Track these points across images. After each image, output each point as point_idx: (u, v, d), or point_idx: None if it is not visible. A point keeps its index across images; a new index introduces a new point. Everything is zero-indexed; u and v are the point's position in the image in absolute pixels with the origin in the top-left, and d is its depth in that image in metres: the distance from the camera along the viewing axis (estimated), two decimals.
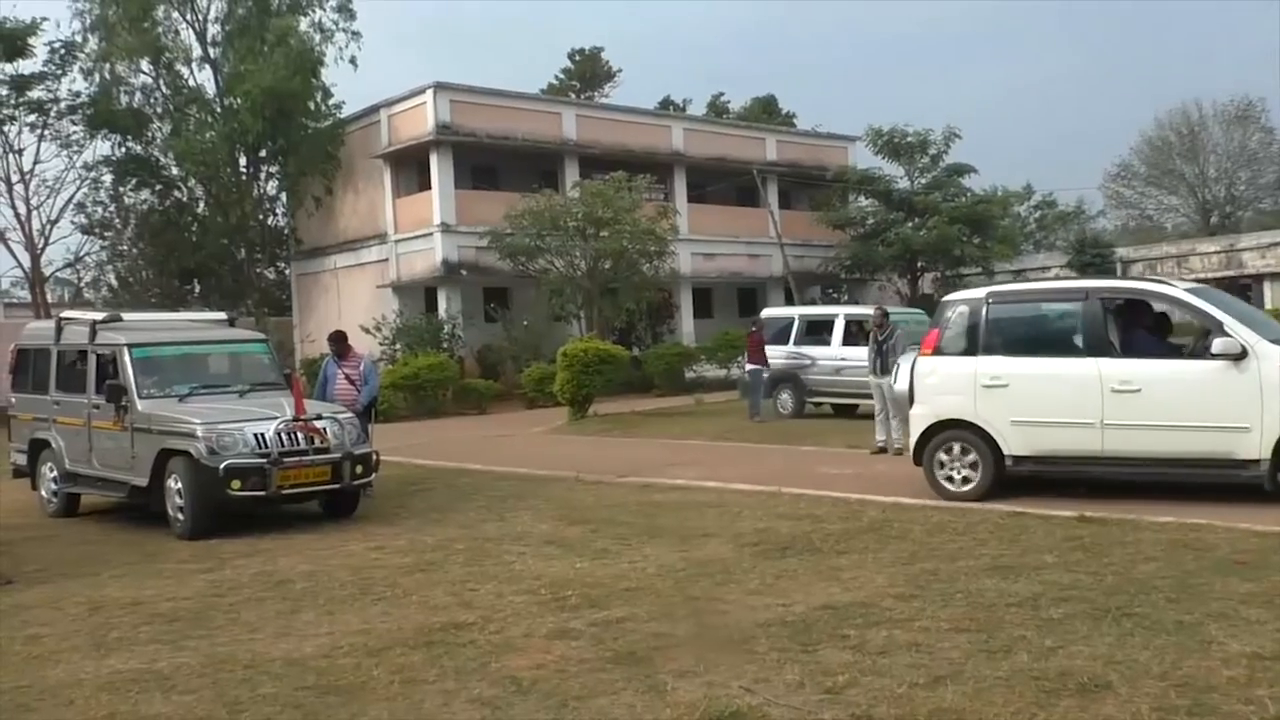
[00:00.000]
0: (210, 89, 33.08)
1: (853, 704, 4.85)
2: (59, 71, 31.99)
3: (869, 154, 38.32)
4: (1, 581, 8.29)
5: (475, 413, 25.39)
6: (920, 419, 10.57)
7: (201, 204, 35.20)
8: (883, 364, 14.50)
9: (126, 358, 10.93)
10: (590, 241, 26.71)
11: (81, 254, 35.71)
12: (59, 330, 12.11)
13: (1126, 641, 5.55)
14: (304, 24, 32.16)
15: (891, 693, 4.96)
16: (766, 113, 52.06)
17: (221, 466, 9.83)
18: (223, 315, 13.63)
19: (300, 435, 10.27)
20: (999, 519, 9.03)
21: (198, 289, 36.47)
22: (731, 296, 39.14)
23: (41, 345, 12.46)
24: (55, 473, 11.87)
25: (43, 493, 12.18)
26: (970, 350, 10.34)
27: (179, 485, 10.12)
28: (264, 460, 9.97)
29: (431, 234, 30.23)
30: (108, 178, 34.23)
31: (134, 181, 34.41)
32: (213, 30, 32.84)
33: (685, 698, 5.01)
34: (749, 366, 20.29)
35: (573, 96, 50.48)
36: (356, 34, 33.13)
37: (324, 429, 10.44)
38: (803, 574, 7.45)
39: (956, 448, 10.26)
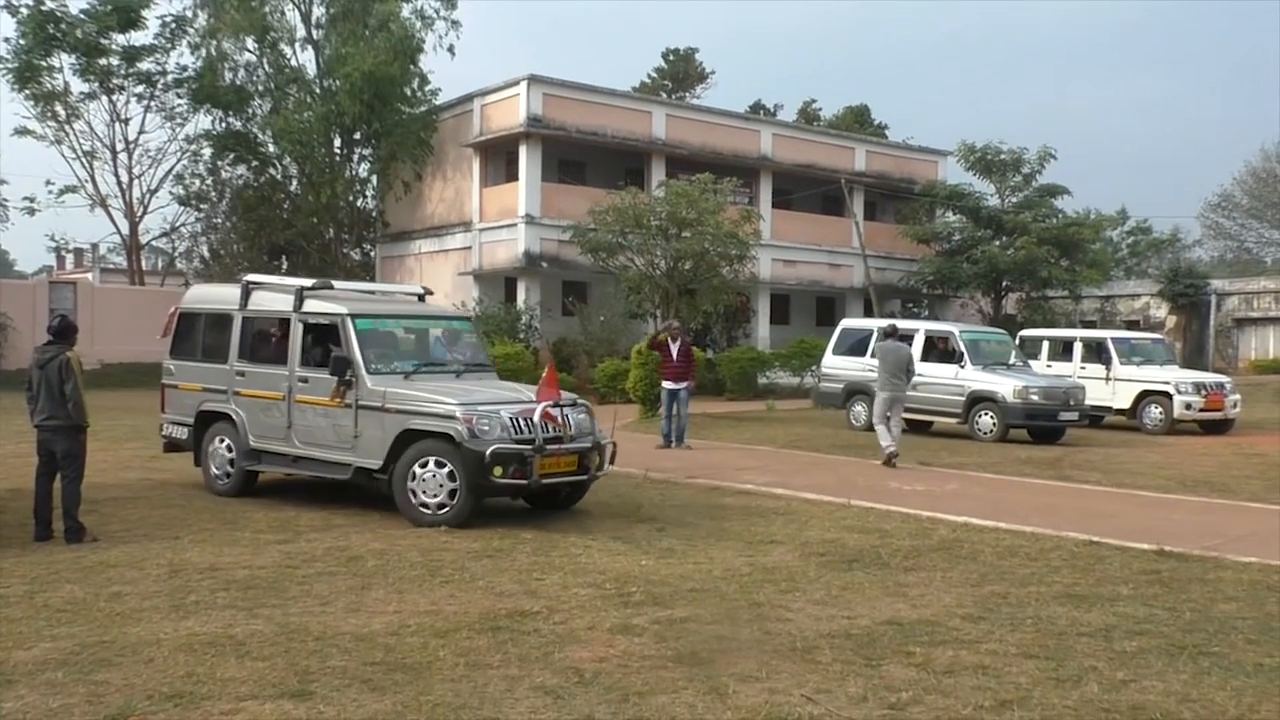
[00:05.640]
0: (311, 70, 33.77)
1: None
2: (168, 45, 32.97)
3: (960, 170, 37.84)
4: (88, 539, 8.57)
5: None
6: None
7: (294, 182, 35.97)
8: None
9: (350, 329, 10.03)
10: (672, 241, 26.67)
11: (177, 224, 36.74)
12: (246, 295, 11.03)
13: (1203, 680, 5.43)
14: (406, 10, 32.70)
15: (956, 714, 4.91)
16: (858, 122, 51.52)
17: (488, 452, 9.09)
18: (419, 289, 12.38)
19: (548, 422, 9.56)
20: (1074, 547, 8.88)
21: (285, 265, 37.27)
22: (810, 304, 38.88)
23: (216, 310, 11.36)
24: (232, 449, 10.82)
25: (213, 469, 11.04)
26: None
27: (429, 469, 9.34)
28: (528, 447, 9.31)
29: (515, 225, 30.49)
30: (207, 151, 35.16)
31: (231, 156, 35.29)
32: (317, 12, 33.60)
33: (746, 702, 5.01)
34: (666, 385, 16.69)
35: (664, 96, 50.51)
36: (456, 23, 33.81)
37: (567, 417, 9.83)
38: (869, 588, 7.40)
39: None
